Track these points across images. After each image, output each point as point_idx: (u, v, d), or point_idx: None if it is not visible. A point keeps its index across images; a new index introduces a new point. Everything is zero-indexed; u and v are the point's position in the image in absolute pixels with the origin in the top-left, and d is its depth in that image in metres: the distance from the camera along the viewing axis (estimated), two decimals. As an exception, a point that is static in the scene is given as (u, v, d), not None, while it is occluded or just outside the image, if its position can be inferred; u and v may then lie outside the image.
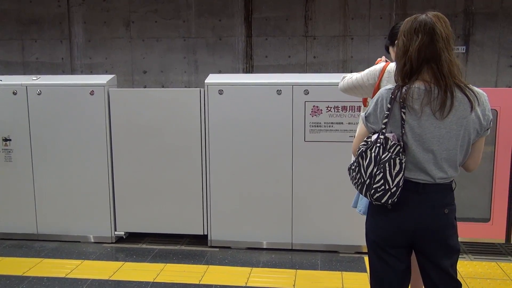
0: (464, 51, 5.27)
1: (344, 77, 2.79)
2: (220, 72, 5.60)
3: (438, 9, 5.21)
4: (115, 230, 4.26)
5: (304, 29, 5.51)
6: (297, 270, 3.66)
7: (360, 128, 2.11)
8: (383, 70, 2.58)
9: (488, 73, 5.26)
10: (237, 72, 5.61)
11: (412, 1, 5.26)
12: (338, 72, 5.48)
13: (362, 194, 2.01)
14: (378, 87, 2.59)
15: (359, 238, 3.62)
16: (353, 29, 5.41)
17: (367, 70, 2.66)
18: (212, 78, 4.04)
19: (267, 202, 4.02)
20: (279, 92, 3.87)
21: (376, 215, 2.06)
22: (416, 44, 1.90)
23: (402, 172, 1.90)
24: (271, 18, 5.53)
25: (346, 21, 5.42)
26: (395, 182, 1.90)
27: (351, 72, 5.36)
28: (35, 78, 4.26)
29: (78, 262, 3.83)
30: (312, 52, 5.52)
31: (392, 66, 2.57)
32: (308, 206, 3.99)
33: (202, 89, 3.99)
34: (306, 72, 5.48)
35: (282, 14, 5.50)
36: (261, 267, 3.73)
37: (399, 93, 1.90)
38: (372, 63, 2.73)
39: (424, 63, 1.90)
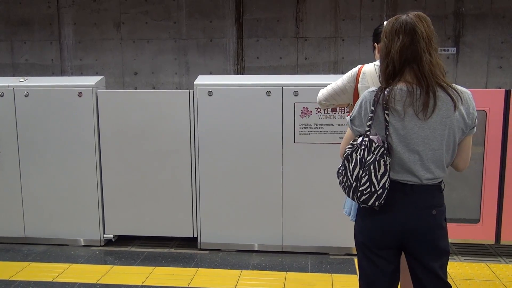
0: (455, 52, 5.28)
1: (320, 91, 2.82)
2: (211, 73, 5.58)
3: (428, 10, 5.21)
4: (104, 233, 4.23)
5: (295, 31, 5.50)
6: (287, 273, 3.64)
7: (347, 132, 2.10)
8: (359, 72, 2.61)
9: (478, 74, 5.27)
10: (228, 73, 5.60)
11: (402, 3, 5.26)
12: (329, 73, 5.48)
13: (349, 197, 1.99)
14: (356, 89, 2.61)
15: (349, 240, 3.60)
16: (344, 30, 5.41)
17: (345, 75, 2.69)
18: (201, 80, 4.02)
19: (257, 204, 4.00)
20: (268, 93, 3.85)
21: (365, 216, 2.05)
22: (397, 45, 1.89)
23: (387, 174, 1.88)
24: (262, 20, 5.52)
25: (337, 22, 5.42)
26: (381, 184, 1.88)
27: (342, 73, 5.38)
28: (23, 80, 4.22)
29: (66, 265, 3.79)
30: (303, 54, 5.52)
31: (367, 66, 2.60)
32: (298, 208, 3.97)
33: (191, 91, 3.96)
34: (297, 74, 5.47)
35: (273, 15, 5.49)
36: (251, 270, 3.71)
37: (381, 95, 1.89)
38: (363, 64, 2.73)
39: (406, 64, 1.89)
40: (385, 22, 2.43)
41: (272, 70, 5.54)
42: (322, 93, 2.80)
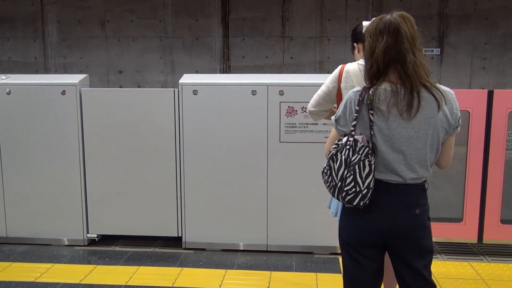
0: (439, 53, 5.34)
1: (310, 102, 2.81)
2: (197, 72, 5.57)
3: (413, 11, 5.26)
4: (87, 233, 4.18)
5: (281, 30, 5.51)
6: (272, 272, 3.64)
7: (332, 131, 2.11)
8: (341, 71, 2.63)
9: (462, 75, 5.34)
10: (214, 72, 5.58)
11: (388, 3, 5.31)
12: (315, 73, 5.49)
13: (334, 197, 2.00)
14: (339, 89, 2.63)
15: (334, 239, 3.59)
16: (330, 30, 5.43)
17: (328, 79, 2.71)
18: (187, 78, 4.00)
19: (242, 203, 3.99)
20: (254, 92, 3.84)
21: (349, 215, 2.06)
22: (381, 45, 1.89)
23: (372, 174, 1.89)
24: (248, 19, 5.52)
25: (323, 22, 5.44)
26: (366, 184, 1.89)
27: (328, 72, 5.41)
28: (5, 77, 4.15)
29: (48, 265, 3.75)
30: (289, 53, 5.53)
31: (350, 66, 2.62)
32: (283, 207, 3.97)
33: (176, 90, 3.94)
34: (283, 73, 5.48)
35: (259, 14, 5.49)
36: (235, 269, 3.70)
37: (366, 95, 1.90)
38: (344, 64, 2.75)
39: (390, 64, 1.90)
40: (363, 22, 2.46)
41: (258, 69, 5.54)
42: (310, 102, 2.79)
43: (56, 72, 5.73)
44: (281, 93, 3.82)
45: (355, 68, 2.58)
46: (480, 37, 5.28)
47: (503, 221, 3.88)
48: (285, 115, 3.85)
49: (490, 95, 3.74)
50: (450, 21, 5.28)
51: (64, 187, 4.12)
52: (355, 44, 2.75)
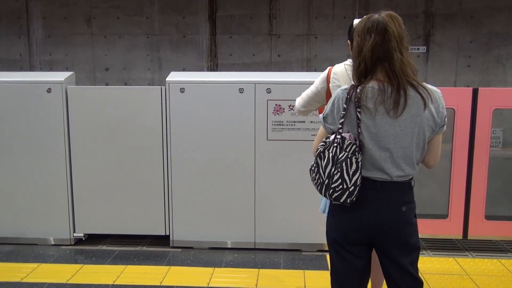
0: (425, 51, 5.38)
1: (297, 100, 2.88)
2: (184, 70, 5.54)
3: (399, 9, 5.28)
4: (74, 232, 4.15)
5: (268, 28, 5.50)
6: (260, 270, 3.65)
7: (319, 129, 2.12)
8: (329, 73, 2.68)
9: (447, 73, 5.38)
10: (202, 70, 5.56)
11: (374, 1, 5.33)
12: (302, 70, 5.50)
13: (322, 194, 2.01)
14: (328, 89, 2.67)
15: (321, 236, 3.62)
16: (317, 28, 5.44)
17: (316, 80, 2.78)
18: (174, 76, 3.98)
19: (230, 201, 3.99)
20: (241, 90, 3.84)
21: (336, 213, 2.07)
22: (369, 44, 1.91)
23: (359, 171, 1.90)
24: (235, 16, 5.50)
25: (310, 20, 5.45)
26: (353, 181, 1.90)
27: (315, 70, 5.42)
28: (-11, 75, 4.09)
29: (34, 265, 3.71)
30: (277, 51, 5.52)
31: (337, 67, 2.66)
32: (271, 205, 3.98)
33: (163, 87, 3.92)
34: (270, 71, 5.48)
35: (246, 12, 5.47)
36: (223, 267, 3.70)
37: (354, 93, 1.91)
38: (336, 62, 2.79)
39: (378, 63, 1.91)
40: (355, 20, 2.48)
41: (245, 67, 5.53)
42: (299, 101, 2.86)
43: (41, 69, 5.66)
44: (269, 91, 3.83)
45: (341, 69, 2.62)
46: (465, 36, 5.32)
47: (488, 217, 3.94)
48: (273, 113, 3.85)
49: (475, 93, 3.79)
50: (436, 19, 5.32)
51: (50, 186, 4.07)
52: (348, 41, 2.77)
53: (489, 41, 5.33)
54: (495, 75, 5.38)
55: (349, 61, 2.59)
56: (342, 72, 2.60)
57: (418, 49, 5.36)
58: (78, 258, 3.89)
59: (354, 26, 2.71)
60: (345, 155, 1.90)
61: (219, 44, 5.56)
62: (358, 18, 2.45)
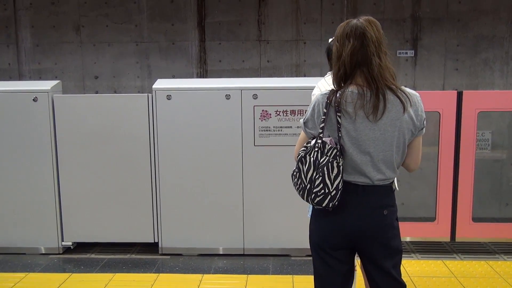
0: (413, 55, 5.41)
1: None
2: (173, 76, 5.55)
3: (387, 14, 5.30)
4: (62, 241, 4.14)
5: (257, 34, 5.52)
6: (249, 275, 3.64)
7: (300, 134, 2.13)
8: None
9: (435, 76, 5.41)
10: (191, 76, 5.57)
11: (362, 7, 5.35)
12: (292, 76, 5.52)
13: (304, 199, 2.02)
14: None
15: (309, 241, 3.64)
16: (306, 33, 5.46)
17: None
18: (160, 83, 3.99)
19: (218, 208, 3.99)
20: (228, 96, 3.85)
21: (318, 217, 2.08)
22: (348, 48, 1.92)
23: (340, 175, 1.91)
24: (224, 23, 5.52)
25: (298, 25, 5.47)
26: (334, 185, 1.91)
27: (305, 75, 5.44)
28: (-25, 85, 4.09)
29: (22, 275, 3.69)
30: (266, 56, 5.54)
31: (315, 89, 2.67)
32: (259, 210, 3.98)
33: (150, 95, 3.93)
34: (260, 76, 5.49)
35: (235, 18, 5.49)
36: (212, 274, 3.69)
37: (333, 98, 1.92)
38: (324, 66, 2.79)
39: (357, 67, 1.93)
40: (330, 39, 2.51)
41: (235, 73, 5.54)
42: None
43: (30, 78, 5.65)
44: (255, 96, 3.84)
45: (321, 82, 2.66)
46: (452, 39, 5.35)
47: (475, 219, 3.96)
48: (259, 118, 3.86)
49: (460, 96, 3.81)
50: (423, 23, 5.35)
51: (37, 195, 4.06)
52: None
53: (476, 44, 5.37)
54: (483, 78, 5.41)
55: (329, 73, 2.62)
56: (321, 83, 2.63)
57: (406, 53, 5.39)
58: (66, 267, 3.88)
59: (331, 45, 2.74)
60: (326, 160, 1.91)
61: (208, 50, 5.58)
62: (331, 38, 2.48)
